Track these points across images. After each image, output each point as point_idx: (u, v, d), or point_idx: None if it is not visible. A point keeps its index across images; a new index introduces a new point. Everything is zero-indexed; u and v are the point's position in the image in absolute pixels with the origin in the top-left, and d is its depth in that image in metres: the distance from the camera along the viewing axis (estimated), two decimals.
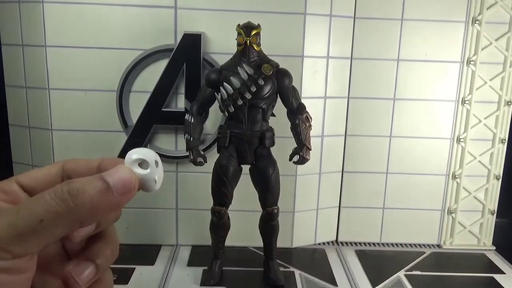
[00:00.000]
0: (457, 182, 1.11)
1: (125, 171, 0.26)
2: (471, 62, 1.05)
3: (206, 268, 0.93)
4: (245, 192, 0.91)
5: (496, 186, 1.11)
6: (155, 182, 0.28)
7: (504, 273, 1.00)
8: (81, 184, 0.24)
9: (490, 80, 1.06)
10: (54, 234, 0.24)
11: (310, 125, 0.86)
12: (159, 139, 1.02)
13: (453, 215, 1.12)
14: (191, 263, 0.99)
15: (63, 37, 0.96)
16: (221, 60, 0.91)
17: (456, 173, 1.10)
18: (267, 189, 0.87)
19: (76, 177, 0.26)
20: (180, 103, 1.00)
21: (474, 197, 1.12)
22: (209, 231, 0.91)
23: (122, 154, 1.06)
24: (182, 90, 0.99)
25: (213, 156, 0.92)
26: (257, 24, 0.83)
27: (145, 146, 1.01)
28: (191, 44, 0.96)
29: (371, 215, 1.13)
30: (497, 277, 0.98)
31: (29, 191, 0.29)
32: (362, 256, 1.07)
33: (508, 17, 1.04)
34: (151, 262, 0.98)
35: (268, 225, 0.89)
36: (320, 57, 1.01)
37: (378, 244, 1.14)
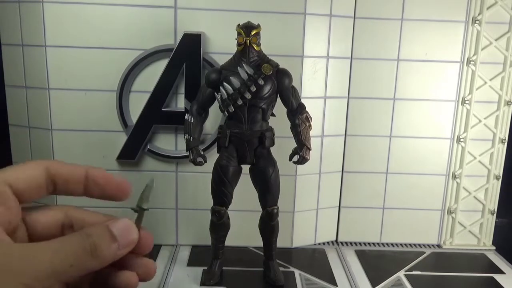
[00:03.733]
0: (457, 182, 1.11)
1: (133, 232, 0.31)
2: (471, 62, 1.05)
3: (206, 268, 0.93)
4: (245, 192, 0.91)
5: (496, 186, 1.11)
6: None
7: (504, 273, 1.00)
8: (99, 242, 0.29)
9: (490, 80, 1.06)
10: (74, 276, 0.29)
11: (310, 125, 0.85)
12: (159, 139, 1.02)
13: (453, 215, 1.12)
14: (191, 263, 0.99)
15: (63, 37, 0.96)
16: (221, 60, 0.91)
17: (456, 173, 1.10)
18: (267, 189, 0.87)
19: (63, 185, 0.32)
20: (180, 103, 1.00)
21: (474, 197, 1.12)
22: (209, 231, 0.91)
23: (122, 154, 1.06)
24: (182, 90, 0.99)
25: (213, 156, 0.91)
26: (257, 24, 0.83)
27: (145, 146, 1.01)
28: (191, 44, 0.96)
29: (371, 215, 1.13)
30: (497, 277, 0.98)
31: (15, 193, 0.31)
32: (362, 256, 1.07)
33: (508, 17, 1.04)
34: None
35: (268, 225, 0.89)
36: (320, 57, 1.01)
37: (378, 244, 1.14)
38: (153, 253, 1.03)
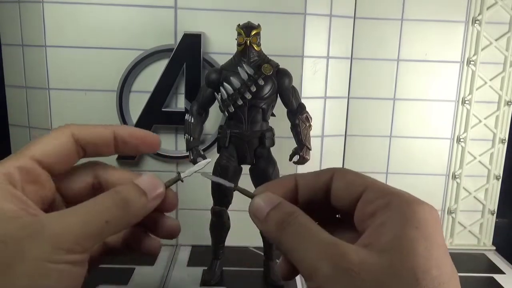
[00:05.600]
0: (457, 182, 1.11)
1: (159, 186, 0.34)
2: (471, 62, 1.05)
3: (206, 268, 0.93)
4: None
5: (496, 186, 1.11)
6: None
7: (504, 273, 1.00)
8: (129, 196, 0.31)
9: (490, 80, 1.06)
10: (111, 233, 0.30)
11: (310, 125, 0.86)
12: None
13: (453, 215, 1.12)
14: (191, 263, 0.99)
15: (63, 37, 0.96)
16: (221, 60, 0.91)
17: (456, 173, 1.10)
18: None
19: (93, 149, 0.33)
20: (180, 103, 1.00)
21: (474, 197, 1.12)
22: (209, 231, 0.91)
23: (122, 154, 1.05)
24: (182, 90, 0.99)
25: (213, 156, 0.91)
26: (257, 24, 0.83)
27: None
28: (191, 44, 0.96)
29: None
30: (497, 277, 0.98)
31: (46, 168, 0.31)
32: None
33: (508, 17, 1.04)
34: (151, 263, 0.98)
35: None
36: (320, 57, 1.01)
37: None
38: None
